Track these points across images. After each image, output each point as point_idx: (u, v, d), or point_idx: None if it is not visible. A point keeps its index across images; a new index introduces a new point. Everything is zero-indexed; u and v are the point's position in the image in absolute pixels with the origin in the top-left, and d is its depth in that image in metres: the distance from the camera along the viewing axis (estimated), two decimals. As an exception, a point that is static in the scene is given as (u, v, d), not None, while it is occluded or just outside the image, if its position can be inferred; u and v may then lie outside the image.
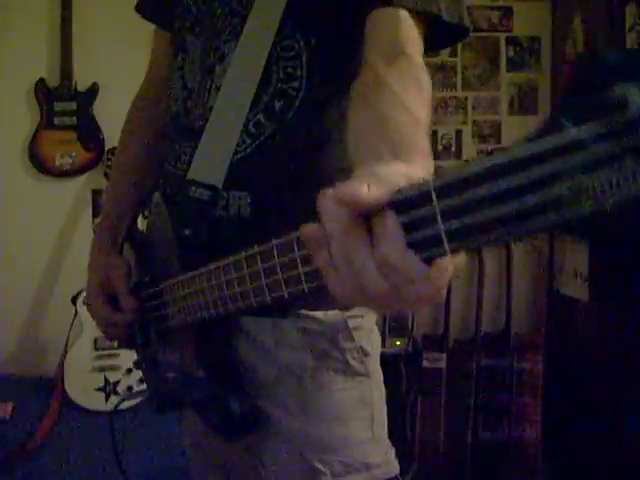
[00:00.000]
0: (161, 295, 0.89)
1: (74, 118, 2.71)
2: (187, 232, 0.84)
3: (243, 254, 0.63)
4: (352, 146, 0.65)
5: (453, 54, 2.80)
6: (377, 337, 0.92)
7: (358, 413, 0.86)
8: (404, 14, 0.74)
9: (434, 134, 2.75)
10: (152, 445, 2.16)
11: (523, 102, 2.81)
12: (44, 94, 2.69)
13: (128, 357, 1.61)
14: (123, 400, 1.93)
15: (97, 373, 2.41)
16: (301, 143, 0.84)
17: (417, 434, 2.53)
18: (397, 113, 0.61)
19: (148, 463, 2.08)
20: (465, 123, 2.82)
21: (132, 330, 1.00)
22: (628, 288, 1.84)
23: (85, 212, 2.70)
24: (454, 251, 0.41)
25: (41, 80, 2.69)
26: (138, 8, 1.10)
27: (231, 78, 0.85)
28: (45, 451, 2.20)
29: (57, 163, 2.71)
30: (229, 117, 0.85)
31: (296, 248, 0.52)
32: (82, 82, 2.72)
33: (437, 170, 0.56)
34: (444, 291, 0.44)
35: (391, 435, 0.90)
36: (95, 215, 2.57)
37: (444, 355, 2.58)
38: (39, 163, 2.70)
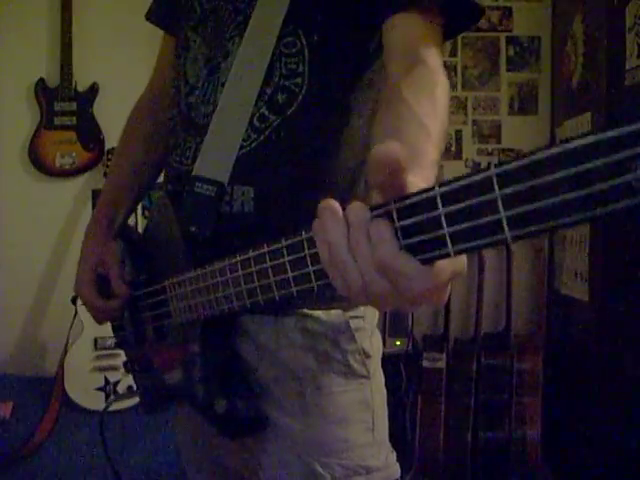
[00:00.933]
0: (163, 292, 0.88)
1: (74, 118, 2.71)
2: (193, 228, 0.84)
3: (251, 252, 0.63)
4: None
5: (453, 54, 2.80)
6: (378, 338, 0.91)
7: (359, 416, 0.86)
8: (419, 18, 0.75)
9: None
10: (152, 445, 2.16)
11: (523, 102, 2.81)
12: (44, 94, 2.69)
13: (128, 357, 1.60)
14: (111, 402, 1.92)
15: (97, 373, 2.41)
16: (305, 139, 0.85)
17: (417, 434, 2.52)
18: (410, 127, 0.63)
19: (148, 463, 2.08)
20: (465, 123, 2.82)
21: (125, 329, 1.00)
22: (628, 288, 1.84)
23: (85, 212, 2.70)
24: (458, 253, 0.43)
25: (41, 80, 2.69)
26: (148, 16, 1.11)
27: (236, 74, 0.86)
28: (45, 451, 2.20)
29: (57, 163, 2.71)
30: (234, 113, 0.85)
31: (306, 246, 0.54)
32: (82, 82, 2.72)
33: (438, 171, 0.58)
34: (446, 290, 0.46)
35: (391, 435, 0.90)
36: (95, 215, 2.57)
37: (444, 355, 2.58)
38: (39, 163, 2.71)
